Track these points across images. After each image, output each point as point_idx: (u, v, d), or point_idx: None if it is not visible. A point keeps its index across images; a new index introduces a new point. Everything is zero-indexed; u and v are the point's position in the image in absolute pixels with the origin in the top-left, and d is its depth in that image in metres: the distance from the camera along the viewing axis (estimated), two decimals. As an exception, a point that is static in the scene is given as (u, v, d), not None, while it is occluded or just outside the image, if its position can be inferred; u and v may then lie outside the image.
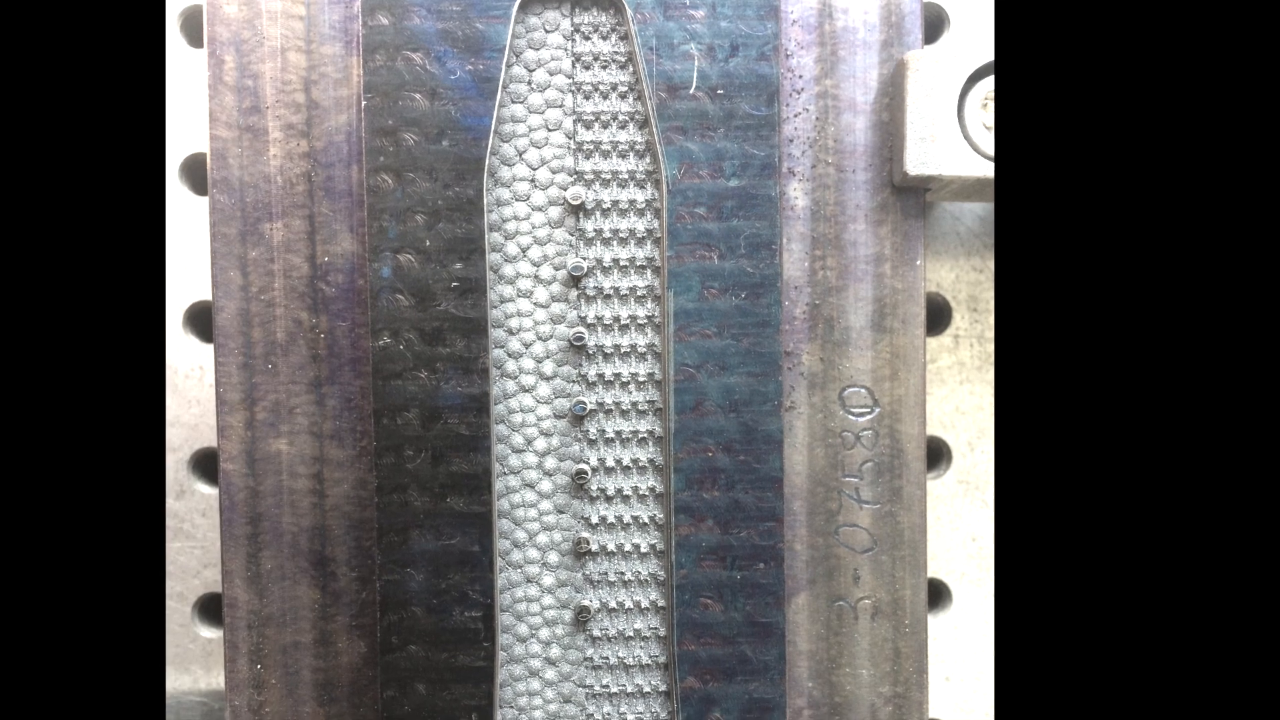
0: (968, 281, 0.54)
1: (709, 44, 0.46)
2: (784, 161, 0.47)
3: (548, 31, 0.47)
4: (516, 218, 0.47)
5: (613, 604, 0.48)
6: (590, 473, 0.48)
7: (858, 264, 0.48)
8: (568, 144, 0.47)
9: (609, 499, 0.48)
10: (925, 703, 0.48)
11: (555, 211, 0.47)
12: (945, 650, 0.55)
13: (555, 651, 0.48)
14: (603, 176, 0.47)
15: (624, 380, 0.48)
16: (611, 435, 0.48)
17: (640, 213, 0.47)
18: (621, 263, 0.48)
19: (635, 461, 0.48)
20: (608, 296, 0.48)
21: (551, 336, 0.48)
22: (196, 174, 0.54)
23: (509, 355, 0.47)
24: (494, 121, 0.46)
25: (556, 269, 0.47)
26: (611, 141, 0.47)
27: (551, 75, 0.47)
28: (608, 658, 0.48)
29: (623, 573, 0.48)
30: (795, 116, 0.47)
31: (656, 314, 0.48)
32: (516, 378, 0.48)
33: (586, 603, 0.48)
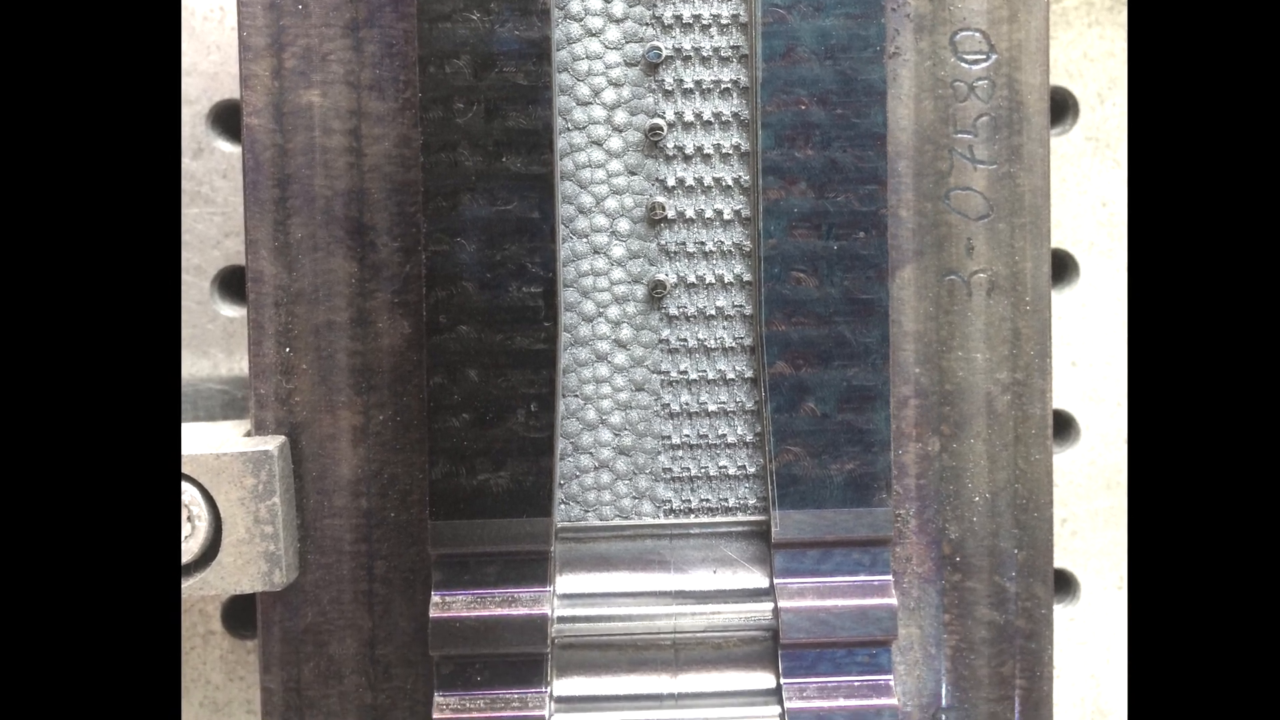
0: (1097, -91, 0.49)
1: None
2: None
3: None
4: None
5: (691, 278, 0.43)
6: (666, 128, 0.42)
7: (972, -111, 0.42)
8: None
9: (687, 158, 0.42)
10: (1048, 390, 0.43)
11: None
12: (1071, 331, 0.50)
13: (626, 332, 0.43)
14: None
15: (704, 22, 0.42)
16: (690, 85, 0.42)
17: None
18: (702, -112, 0.42)
19: (718, 115, 0.42)
20: (686, -74, 0.42)
21: (621, -28, 0.42)
22: None
23: (573, -7, 0.42)
24: None
25: (627, -106, 0.42)
26: None
27: None
28: (686, 339, 0.43)
29: (703, 242, 0.42)
30: None
31: (741, -53, 0.42)
32: (581, 19, 0.42)
33: (662, 277, 0.42)
